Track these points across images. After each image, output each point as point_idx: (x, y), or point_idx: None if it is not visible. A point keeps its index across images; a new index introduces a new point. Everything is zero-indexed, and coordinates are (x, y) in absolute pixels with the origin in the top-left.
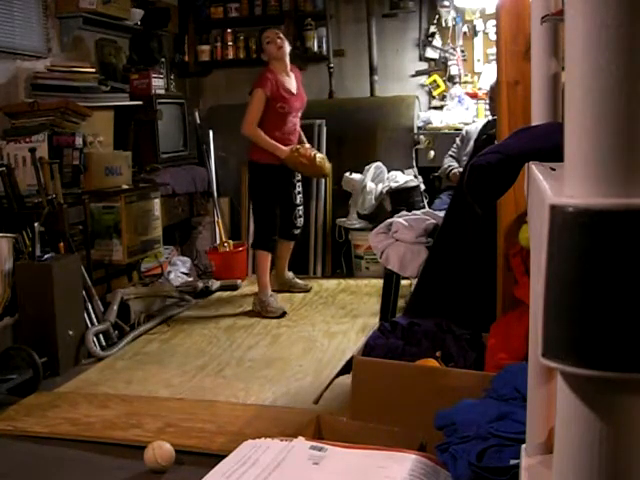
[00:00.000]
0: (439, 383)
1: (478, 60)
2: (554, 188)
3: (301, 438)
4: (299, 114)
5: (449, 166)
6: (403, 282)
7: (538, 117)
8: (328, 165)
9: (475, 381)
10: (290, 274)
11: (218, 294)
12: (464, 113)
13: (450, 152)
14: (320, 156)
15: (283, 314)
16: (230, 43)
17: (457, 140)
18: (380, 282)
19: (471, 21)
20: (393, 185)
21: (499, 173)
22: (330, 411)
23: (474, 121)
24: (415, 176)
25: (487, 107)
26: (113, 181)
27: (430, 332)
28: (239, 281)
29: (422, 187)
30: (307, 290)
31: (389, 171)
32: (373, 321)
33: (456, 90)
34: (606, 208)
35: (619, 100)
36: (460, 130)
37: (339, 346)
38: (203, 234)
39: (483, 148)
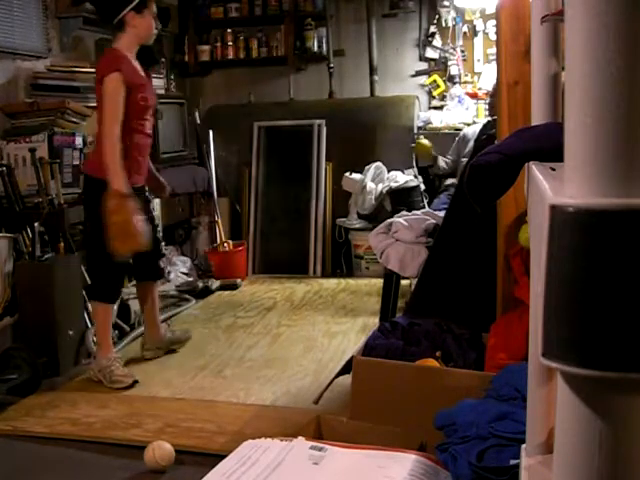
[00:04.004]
0: (439, 383)
1: (478, 60)
2: (554, 188)
3: (301, 438)
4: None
5: (445, 163)
6: (403, 282)
7: (538, 117)
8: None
9: (475, 381)
10: (164, 326)
11: (218, 294)
12: (464, 113)
13: (446, 156)
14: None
15: (134, 383)
16: (230, 43)
17: (453, 145)
18: (380, 282)
19: (471, 21)
20: (393, 185)
21: (499, 173)
22: (330, 411)
23: (474, 122)
24: (415, 176)
25: (486, 107)
26: None
27: (430, 332)
28: (239, 281)
29: (422, 187)
30: (188, 338)
31: (389, 171)
32: (373, 321)
33: (456, 90)
34: (606, 208)
35: (619, 100)
36: (460, 130)
37: (339, 346)
38: (203, 234)
39: (483, 148)
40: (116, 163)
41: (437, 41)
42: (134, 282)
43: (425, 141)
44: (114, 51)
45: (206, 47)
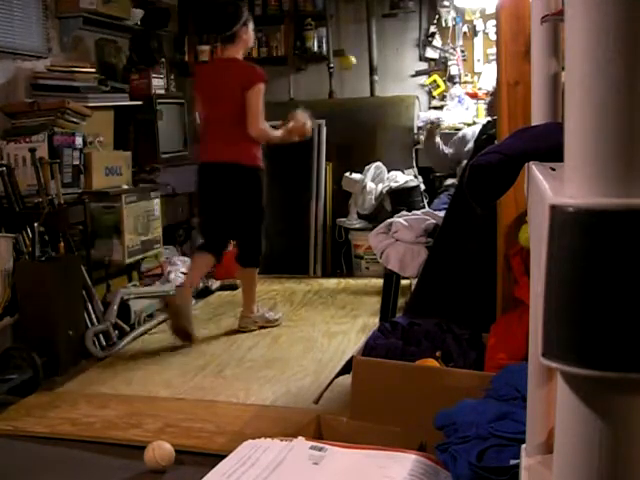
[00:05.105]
0: (439, 383)
1: (478, 60)
2: (554, 188)
3: (301, 438)
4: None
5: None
6: (403, 282)
7: (538, 117)
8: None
9: (475, 381)
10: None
11: (218, 294)
12: (464, 113)
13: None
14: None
15: (280, 319)
16: None
17: (453, 139)
18: (380, 282)
19: (471, 21)
20: (393, 185)
21: (499, 173)
22: (330, 411)
23: (474, 122)
24: (415, 176)
25: (485, 107)
26: (113, 181)
27: (430, 332)
28: (239, 281)
29: (422, 187)
30: (279, 323)
31: (389, 171)
32: (373, 321)
33: (456, 90)
34: (606, 208)
35: (619, 100)
36: (460, 130)
37: (339, 346)
38: None
39: (483, 148)
40: (274, 138)
41: (437, 41)
42: (134, 282)
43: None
44: (243, 61)
45: (206, 47)
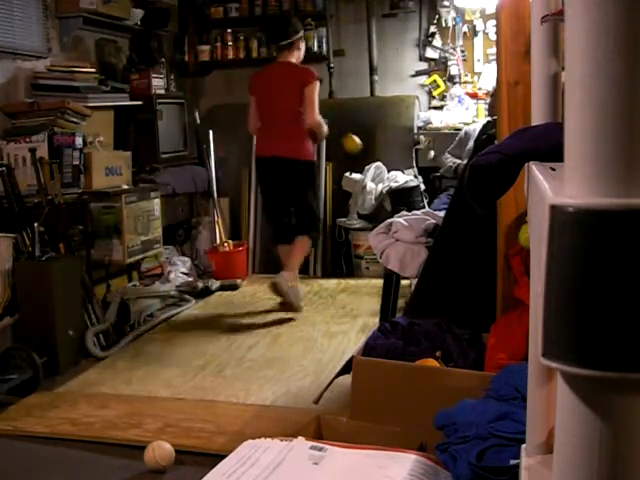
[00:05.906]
0: (439, 383)
1: (478, 60)
2: (554, 188)
3: (301, 438)
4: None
5: (453, 162)
6: (403, 282)
7: (538, 117)
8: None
9: (475, 381)
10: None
11: (218, 294)
12: (464, 113)
13: (449, 150)
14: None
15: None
16: (230, 43)
17: (456, 139)
18: (380, 282)
19: (471, 21)
20: (393, 185)
21: (499, 173)
22: (330, 411)
23: (474, 122)
24: (415, 176)
25: (486, 107)
26: (113, 181)
27: (430, 332)
28: (239, 281)
29: (422, 187)
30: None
31: (389, 171)
32: (373, 321)
33: (456, 90)
34: (606, 208)
35: (619, 100)
36: (460, 130)
37: (339, 346)
38: (203, 234)
39: (483, 148)
40: (323, 132)
41: (437, 41)
42: (134, 282)
43: (356, 138)
44: (298, 65)
45: (206, 47)
